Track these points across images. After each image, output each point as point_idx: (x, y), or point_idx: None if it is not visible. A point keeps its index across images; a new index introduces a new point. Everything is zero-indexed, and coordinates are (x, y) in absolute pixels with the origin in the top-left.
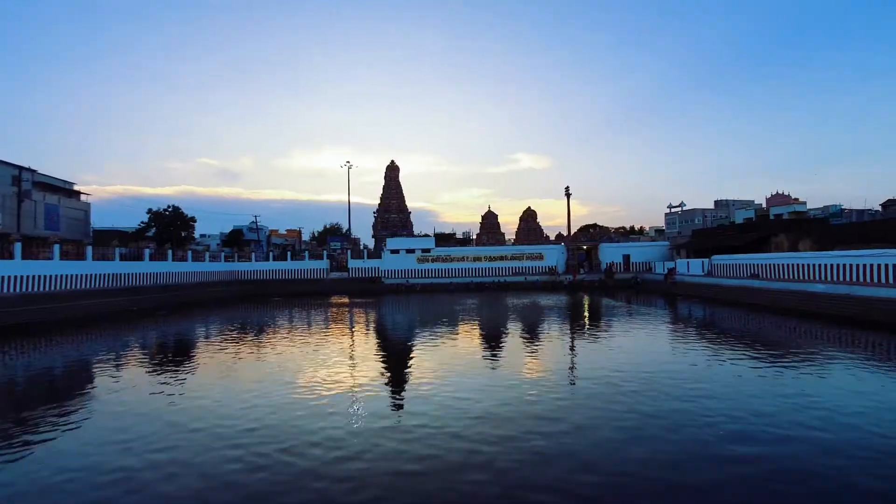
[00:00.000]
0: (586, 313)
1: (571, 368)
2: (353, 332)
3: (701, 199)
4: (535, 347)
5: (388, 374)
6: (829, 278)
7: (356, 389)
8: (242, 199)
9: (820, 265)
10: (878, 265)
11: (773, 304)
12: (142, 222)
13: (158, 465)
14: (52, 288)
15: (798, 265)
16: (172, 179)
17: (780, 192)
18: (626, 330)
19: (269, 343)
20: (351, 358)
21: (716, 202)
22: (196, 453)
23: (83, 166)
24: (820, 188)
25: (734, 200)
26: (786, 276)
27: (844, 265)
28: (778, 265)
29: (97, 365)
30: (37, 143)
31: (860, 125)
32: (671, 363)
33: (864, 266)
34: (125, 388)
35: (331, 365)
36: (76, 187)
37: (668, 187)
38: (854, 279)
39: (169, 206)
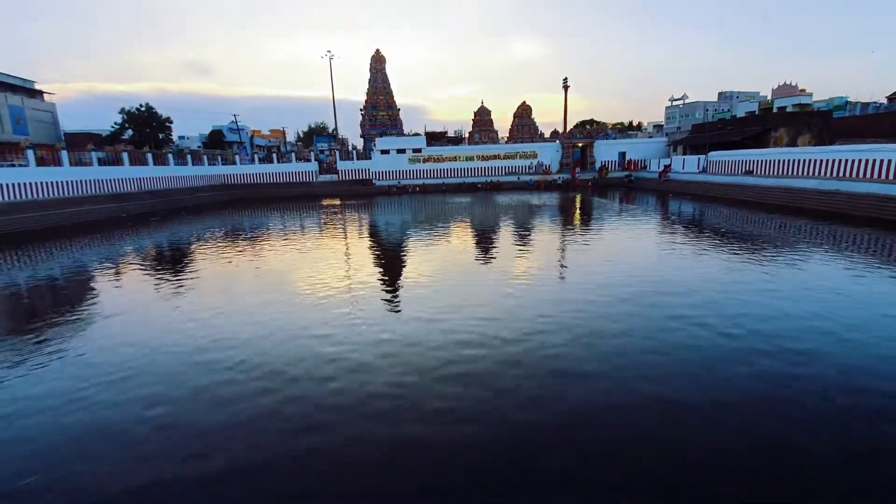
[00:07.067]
0: (576, 213)
1: (554, 267)
2: (346, 233)
3: (705, 91)
4: (522, 246)
5: (386, 275)
6: (820, 174)
7: (358, 290)
8: (218, 97)
9: (813, 161)
10: (868, 161)
11: (764, 201)
12: (115, 123)
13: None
14: (30, 196)
15: (790, 161)
16: (140, 75)
17: (788, 82)
18: (611, 229)
19: (269, 248)
20: (349, 260)
21: (720, 94)
22: (207, 370)
23: (37, 63)
24: (831, 79)
25: (739, 92)
26: (779, 173)
27: (835, 161)
28: (772, 161)
29: (106, 274)
30: None
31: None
32: (639, 260)
33: (853, 162)
34: (143, 300)
35: (334, 268)
36: (38, 86)
37: (672, 79)
38: (844, 175)
39: (142, 105)
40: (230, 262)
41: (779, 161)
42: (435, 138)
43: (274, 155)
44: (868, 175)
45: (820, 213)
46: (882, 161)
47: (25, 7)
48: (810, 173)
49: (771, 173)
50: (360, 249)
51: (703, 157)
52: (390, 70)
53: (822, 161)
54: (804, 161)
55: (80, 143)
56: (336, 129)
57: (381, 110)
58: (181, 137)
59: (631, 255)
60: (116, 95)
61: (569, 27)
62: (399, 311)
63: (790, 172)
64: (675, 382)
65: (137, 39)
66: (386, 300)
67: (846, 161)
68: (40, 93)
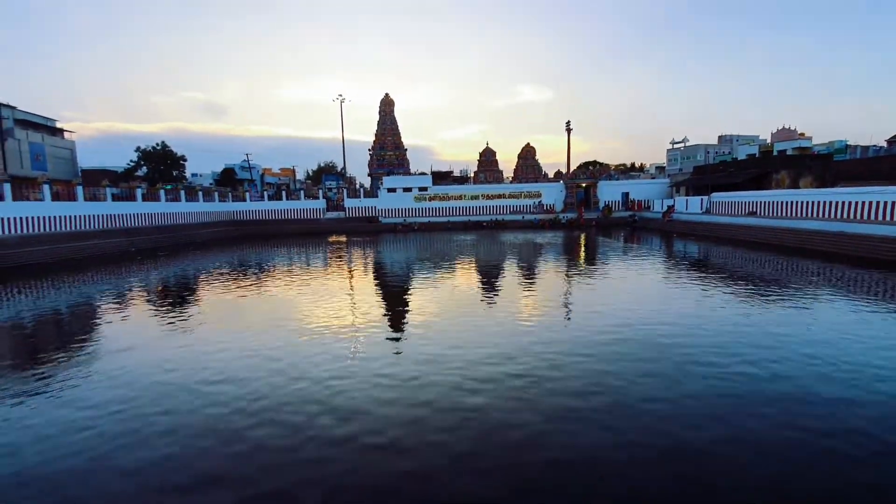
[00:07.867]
0: (581, 252)
1: (561, 306)
2: (351, 271)
3: (705, 134)
4: (528, 285)
5: (390, 311)
6: (824, 216)
7: (362, 326)
8: (232, 136)
9: (816, 203)
10: (870, 203)
11: (769, 242)
12: (131, 161)
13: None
14: (45, 230)
15: (794, 202)
16: (158, 115)
17: (787, 126)
18: (619, 268)
19: (275, 283)
20: (354, 297)
21: (720, 137)
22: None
23: (62, 102)
24: (829, 123)
25: (738, 136)
26: (782, 214)
27: (838, 203)
28: (775, 202)
29: (119, 307)
30: (6, 77)
31: (878, 55)
32: (642, 298)
33: (857, 204)
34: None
35: (339, 304)
36: (59, 124)
37: (673, 122)
38: (847, 217)
39: (158, 144)
40: (234, 297)
41: (782, 203)
42: (441, 177)
43: (283, 192)
44: (871, 217)
45: (824, 254)
46: (885, 203)
47: (53, 50)
48: (814, 215)
49: (775, 214)
50: (365, 286)
51: (706, 197)
52: (398, 112)
53: (825, 203)
54: (807, 203)
55: (96, 180)
56: (344, 167)
57: (388, 150)
58: (194, 175)
59: (651, 297)
60: (134, 134)
61: (572, 73)
62: (402, 349)
63: (794, 214)
64: (698, 426)
65: (156, 81)
66: (390, 338)
67: (849, 203)
68: (61, 131)
